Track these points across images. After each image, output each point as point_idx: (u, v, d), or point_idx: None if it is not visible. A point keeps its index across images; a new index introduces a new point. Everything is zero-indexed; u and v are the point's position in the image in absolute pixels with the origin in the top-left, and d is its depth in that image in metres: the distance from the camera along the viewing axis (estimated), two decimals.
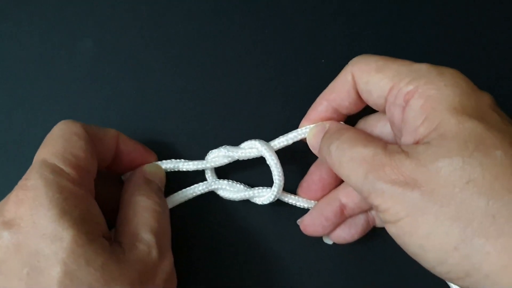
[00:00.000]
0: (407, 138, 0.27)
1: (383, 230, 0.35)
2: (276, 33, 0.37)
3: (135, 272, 0.25)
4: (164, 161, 0.33)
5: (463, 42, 0.38)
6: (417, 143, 0.26)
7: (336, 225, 0.33)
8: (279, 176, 0.32)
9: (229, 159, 0.33)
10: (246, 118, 0.36)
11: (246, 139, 0.33)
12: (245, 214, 0.35)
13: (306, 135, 0.32)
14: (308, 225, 0.33)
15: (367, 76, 0.28)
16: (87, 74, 0.36)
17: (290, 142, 0.33)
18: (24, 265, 0.23)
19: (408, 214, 0.24)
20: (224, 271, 0.35)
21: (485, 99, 0.26)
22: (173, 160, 0.33)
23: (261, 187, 0.33)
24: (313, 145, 0.31)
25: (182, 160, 0.33)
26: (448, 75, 0.26)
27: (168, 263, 0.28)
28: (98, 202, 0.28)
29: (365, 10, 0.38)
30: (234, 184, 0.34)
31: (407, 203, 0.24)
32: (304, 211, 0.34)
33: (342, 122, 0.32)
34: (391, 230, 0.25)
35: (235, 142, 0.34)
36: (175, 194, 0.34)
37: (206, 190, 0.34)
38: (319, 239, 0.35)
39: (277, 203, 0.34)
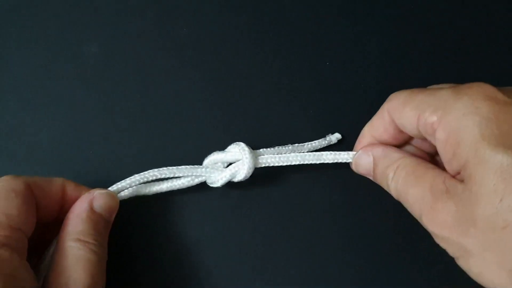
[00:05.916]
0: (447, 167, 0.27)
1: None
2: (280, 36, 0.38)
3: None
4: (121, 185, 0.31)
5: (468, 41, 0.38)
6: (455, 175, 0.26)
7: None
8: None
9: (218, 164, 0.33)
10: (250, 120, 0.36)
11: (250, 141, 0.33)
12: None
13: (351, 160, 0.33)
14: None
15: (398, 112, 0.29)
16: (92, 78, 0.36)
17: (336, 160, 0.33)
18: None
19: (460, 256, 0.25)
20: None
21: (509, 116, 0.24)
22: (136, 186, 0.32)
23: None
24: (362, 173, 0.33)
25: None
26: (466, 100, 0.25)
27: None
28: None
29: (369, 11, 0.38)
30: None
31: (457, 245, 0.25)
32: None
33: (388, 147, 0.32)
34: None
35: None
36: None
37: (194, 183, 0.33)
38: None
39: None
